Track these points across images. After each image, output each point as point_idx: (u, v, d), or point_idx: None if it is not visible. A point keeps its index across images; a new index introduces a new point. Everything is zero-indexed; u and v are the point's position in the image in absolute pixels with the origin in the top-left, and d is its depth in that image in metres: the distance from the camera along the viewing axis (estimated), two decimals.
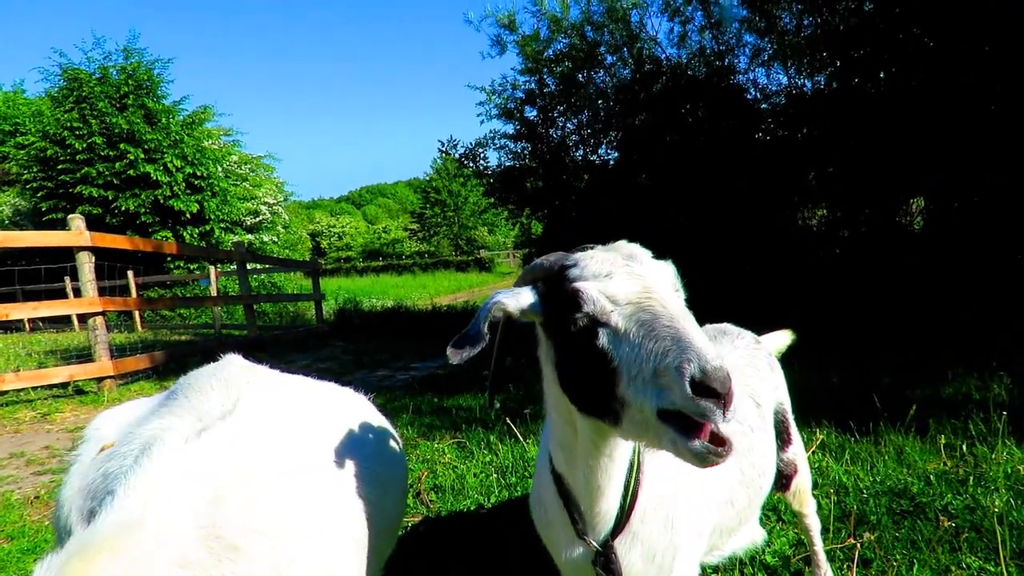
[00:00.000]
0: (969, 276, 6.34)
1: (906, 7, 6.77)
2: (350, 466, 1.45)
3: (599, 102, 10.57)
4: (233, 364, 1.56)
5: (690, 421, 0.95)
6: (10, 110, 21.25)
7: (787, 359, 2.37)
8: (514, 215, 12.14)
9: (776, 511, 2.77)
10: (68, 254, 6.46)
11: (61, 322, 15.29)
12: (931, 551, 2.35)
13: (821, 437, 3.52)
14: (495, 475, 3.42)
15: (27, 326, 14.59)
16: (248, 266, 11.29)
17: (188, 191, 17.28)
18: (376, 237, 56.22)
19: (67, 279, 14.22)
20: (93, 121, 16.35)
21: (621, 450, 1.25)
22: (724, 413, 0.91)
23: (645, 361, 0.98)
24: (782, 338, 2.42)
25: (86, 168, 16.29)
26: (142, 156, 16.45)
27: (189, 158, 17.31)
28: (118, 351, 7.47)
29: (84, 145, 16.28)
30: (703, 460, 0.95)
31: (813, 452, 3.33)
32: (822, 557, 2.24)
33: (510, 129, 11.41)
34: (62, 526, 1.32)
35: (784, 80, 8.98)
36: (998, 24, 6.07)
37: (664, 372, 0.95)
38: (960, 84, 6.32)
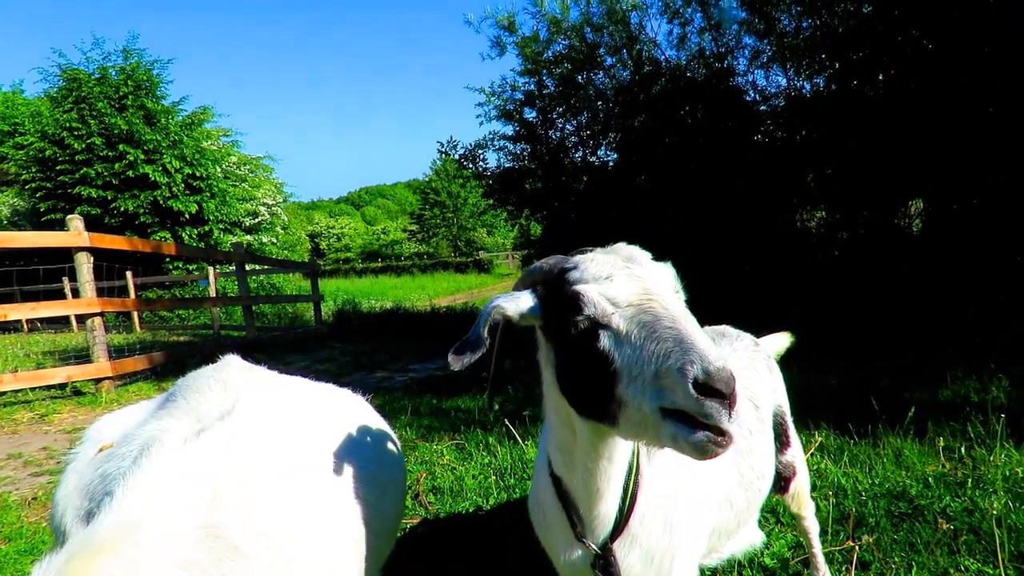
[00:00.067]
0: (968, 278, 6.34)
1: (905, 9, 6.78)
2: (349, 467, 1.44)
3: (598, 103, 10.58)
4: (232, 365, 1.57)
5: (690, 420, 0.94)
6: (9, 110, 21.20)
7: (786, 361, 2.37)
8: (513, 216, 12.14)
9: (775, 513, 2.77)
10: (67, 255, 6.45)
11: (59, 323, 15.27)
12: (929, 553, 2.35)
13: (820, 439, 3.52)
14: (494, 477, 3.41)
15: (25, 327, 14.55)
16: (247, 267, 11.27)
17: (187, 192, 17.24)
18: (375, 238, 56.30)
19: (65, 280, 14.24)
20: (92, 122, 16.32)
21: (620, 452, 1.25)
22: (729, 413, 0.91)
23: (647, 363, 0.97)
24: (781, 340, 2.42)
25: (85, 168, 16.25)
26: (141, 157, 16.42)
27: (188, 159, 17.28)
28: (116, 352, 7.47)
29: (83, 145, 16.24)
30: (704, 451, 0.93)
31: (812, 454, 3.34)
32: (821, 559, 2.25)
33: (509, 130, 11.45)
34: (57, 526, 1.32)
35: (783, 82, 9.00)
36: (998, 24, 6.08)
37: (666, 373, 0.94)
38: (959, 85, 6.33)
